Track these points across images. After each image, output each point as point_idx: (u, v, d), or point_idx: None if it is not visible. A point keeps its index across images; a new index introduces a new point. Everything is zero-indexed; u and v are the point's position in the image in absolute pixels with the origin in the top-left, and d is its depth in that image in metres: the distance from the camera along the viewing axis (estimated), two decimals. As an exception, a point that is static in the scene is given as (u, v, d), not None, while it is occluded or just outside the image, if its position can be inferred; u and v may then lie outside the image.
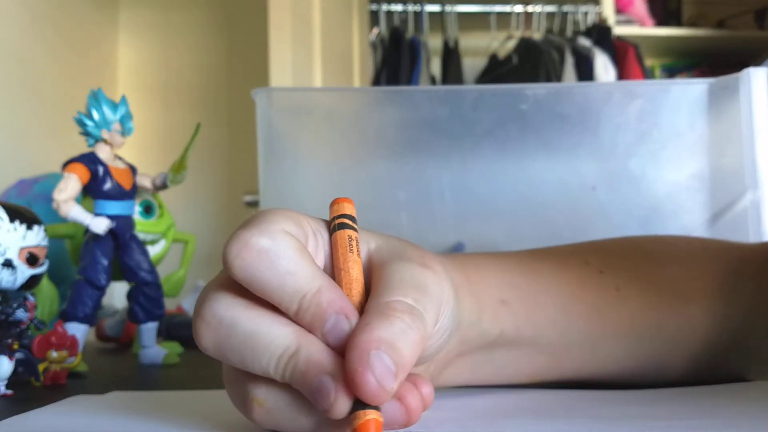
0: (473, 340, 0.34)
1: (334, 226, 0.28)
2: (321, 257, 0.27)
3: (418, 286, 0.26)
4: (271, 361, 0.24)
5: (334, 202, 0.29)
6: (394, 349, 0.23)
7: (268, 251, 0.24)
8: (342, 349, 0.24)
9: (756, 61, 2.13)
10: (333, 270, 0.27)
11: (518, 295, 0.36)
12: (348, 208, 0.28)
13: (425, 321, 0.25)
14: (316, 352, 0.24)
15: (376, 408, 0.23)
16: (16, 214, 0.44)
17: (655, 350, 0.38)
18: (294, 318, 0.25)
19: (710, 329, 0.39)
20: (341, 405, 0.23)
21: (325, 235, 0.28)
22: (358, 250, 0.27)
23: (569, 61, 2.15)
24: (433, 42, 2.32)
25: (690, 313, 0.39)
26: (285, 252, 0.25)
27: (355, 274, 0.26)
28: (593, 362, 0.38)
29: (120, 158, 0.56)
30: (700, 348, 0.39)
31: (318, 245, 0.27)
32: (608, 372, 0.38)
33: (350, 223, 0.28)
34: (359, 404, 0.23)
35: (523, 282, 0.37)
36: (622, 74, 2.17)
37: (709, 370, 0.40)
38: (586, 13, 2.32)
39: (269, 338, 0.24)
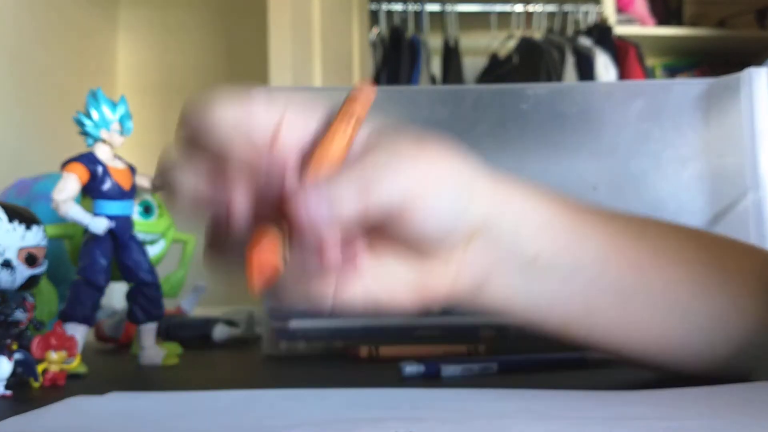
0: (507, 248, 0.34)
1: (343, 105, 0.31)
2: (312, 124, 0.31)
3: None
4: None
5: (354, 93, 0.32)
6: None
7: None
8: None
9: (757, 60, 2.13)
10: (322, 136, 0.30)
11: (561, 222, 0.36)
12: (365, 99, 0.31)
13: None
14: None
15: None
16: (14, 214, 0.44)
17: (691, 327, 0.37)
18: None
19: (756, 322, 0.37)
20: None
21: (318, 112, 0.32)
22: (352, 127, 0.30)
23: (570, 61, 2.15)
24: (433, 41, 2.32)
25: (736, 297, 0.37)
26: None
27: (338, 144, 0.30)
28: (624, 321, 0.37)
29: (119, 158, 0.56)
30: (743, 338, 0.37)
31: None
32: (636, 340, 0.37)
33: (357, 107, 0.31)
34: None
35: (567, 211, 0.36)
36: (622, 74, 2.17)
37: (737, 368, 0.38)
38: (586, 13, 2.32)
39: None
